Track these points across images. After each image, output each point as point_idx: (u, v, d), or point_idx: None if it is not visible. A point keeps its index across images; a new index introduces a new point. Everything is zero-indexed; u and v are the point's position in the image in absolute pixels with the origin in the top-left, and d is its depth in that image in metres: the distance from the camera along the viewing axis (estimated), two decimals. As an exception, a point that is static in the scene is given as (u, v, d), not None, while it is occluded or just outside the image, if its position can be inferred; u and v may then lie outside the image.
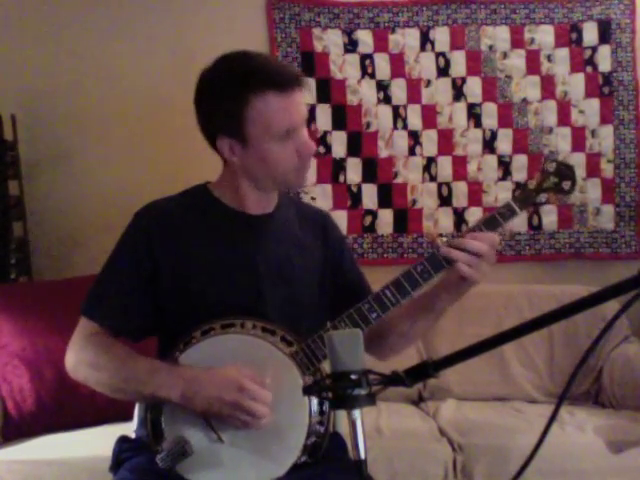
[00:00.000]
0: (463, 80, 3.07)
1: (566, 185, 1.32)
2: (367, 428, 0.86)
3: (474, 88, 3.06)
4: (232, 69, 1.34)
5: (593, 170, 3.08)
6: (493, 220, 1.32)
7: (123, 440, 1.45)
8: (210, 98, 1.35)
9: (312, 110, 2.98)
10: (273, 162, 1.34)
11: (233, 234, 1.41)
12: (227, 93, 1.32)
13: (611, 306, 2.12)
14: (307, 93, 1.36)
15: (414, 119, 3.06)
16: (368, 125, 3.05)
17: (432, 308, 1.39)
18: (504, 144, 3.07)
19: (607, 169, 3.08)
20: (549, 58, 3.07)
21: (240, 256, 1.39)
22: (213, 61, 1.36)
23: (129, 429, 1.51)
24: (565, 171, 1.32)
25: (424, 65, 3.06)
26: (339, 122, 3.04)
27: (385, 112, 3.05)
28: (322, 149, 3.03)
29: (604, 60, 3.07)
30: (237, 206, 1.42)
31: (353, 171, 3.06)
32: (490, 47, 3.07)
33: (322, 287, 1.47)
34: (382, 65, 3.05)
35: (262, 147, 1.33)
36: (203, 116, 1.38)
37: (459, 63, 3.06)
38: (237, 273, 1.38)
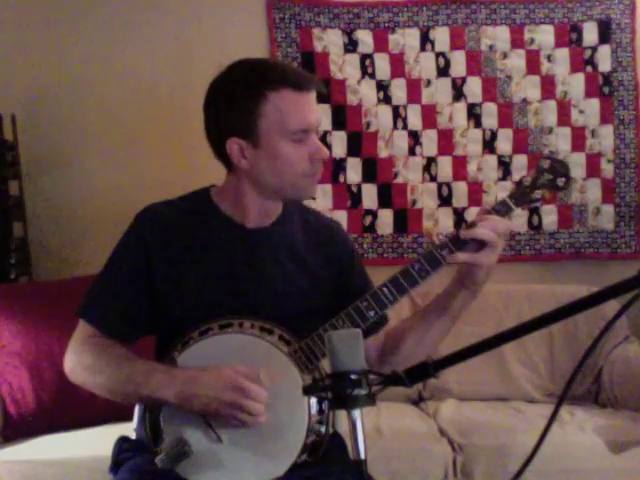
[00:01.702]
0: (463, 80, 3.07)
1: (560, 182, 1.33)
2: (367, 428, 0.86)
3: (474, 88, 3.06)
4: (248, 69, 1.34)
5: (593, 170, 3.08)
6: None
7: (123, 440, 1.45)
8: (223, 98, 1.33)
9: (312, 110, 2.98)
10: (284, 163, 1.32)
11: (227, 244, 1.39)
12: (242, 90, 1.31)
13: (611, 306, 2.12)
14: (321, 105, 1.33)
15: (414, 119, 3.06)
16: (368, 125, 3.05)
17: (447, 310, 1.36)
18: (504, 144, 3.07)
19: (607, 169, 3.08)
20: (549, 58, 3.07)
21: (231, 266, 1.38)
22: (226, 67, 1.35)
23: (129, 429, 1.51)
24: (559, 168, 1.33)
25: (424, 65, 3.06)
26: (339, 122, 3.04)
27: (385, 112, 3.05)
28: (322, 149, 3.03)
29: (604, 60, 3.07)
30: (235, 216, 1.40)
31: (353, 171, 3.06)
32: (490, 47, 3.07)
33: (323, 298, 1.44)
34: (382, 65, 3.05)
35: (274, 146, 1.31)
36: (213, 119, 1.36)
37: (459, 63, 3.06)
38: (226, 284, 1.37)
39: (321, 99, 1.41)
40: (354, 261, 1.52)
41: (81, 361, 1.35)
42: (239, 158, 1.33)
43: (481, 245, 1.28)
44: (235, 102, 1.31)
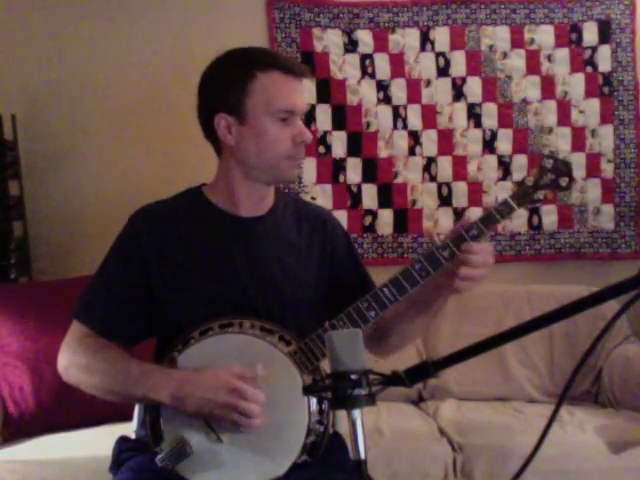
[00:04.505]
0: (463, 80, 3.07)
1: (563, 182, 1.32)
2: (367, 428, 0.86)
3: (474, 88, 3.06)
4: (241, 51, 1.40)
5: (593, 170, 3.08)
6: (490, 217, 1.30)
7: (123, 440, 1.45)
8: (215, 76, 1.38)
9: (312, 110, 2.98)
10: (267, 142, 1.35)
11: (224, 237, 1.40)
12: (234, 69, 1.36)
13: (611, 306, 2.12)
14: (308, 91, 1.38)
15: (414, 119, 3.06)
16: (368, 125, 3.05)
17: (430, 306, 1.38)
18: (504, 144, 3.07)
19: (607, 169, 3.08)
20: (549, 58, 3.07)
21: (229, 259, 1.39)
22: (223, 52, 1.41)
23: (129, 429, 1.51)
24: (562, 168, 1.32)
25: (424, 65, 3.06)
26: (339, 122, 3.04)
27: (385, 112, 3.05)
28: (322, 149, 3.03)
29: (604, 60, 3.07)
30: (229, 208, 1.42)
31: (353, 171, 3.06)
32: (490, 47, 3.07)
33: (320, 287, 1.46)
34: (382, 65, 3.05)
35: (259, 124, 1.34)
36: (204, 96, 1.40)
37: (459, 63, 3.06)
38: (226, 276, 1.38)
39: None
40: (347, 245, 1.54)
41: (75, 361, 1.35)
42: (225, 134, 1.37)
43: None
44: (225, 79, 1.36)
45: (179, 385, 1.24)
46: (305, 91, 1.40)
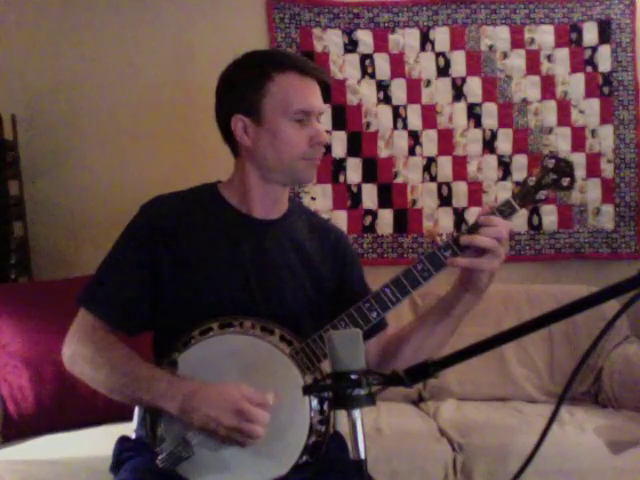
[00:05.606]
0: (463, 80, 3.07)
1: (565, 181, 1.31)
2: (367, 428, 0.86)
3: (474, 88, 3.06)
4: (258, 54, 1.41)
5: (593, 170, 3.08)
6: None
7: (123, 440, 1.45)
8: (232, 78, 1.39)
9: (312, 110, 2.98)
10: (284, 143, 1.35)
11: (234, 235, 1.40)
12: (250, 71, 1.36)
13: (611, 306, 2.12)
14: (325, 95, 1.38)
15: (414, 119, 3.06)
16: (368, 125, 3.05)
17: (450, 315, 1.36)
18: (504, 144, 3.07)
19: (607, 169, 3.08)
20: (549, 58, 3.07)
21: (238, 258, 1.38)
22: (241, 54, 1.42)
23: (129, 429, 1.51)
24: (564, 167, 1.31)
25: (424, 65, 3.06)
26: (339, 122, 3.04)
27: (385, 112, 3.05)
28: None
29: (604, 60, 3.07)
30: (243, 208, 1.42)
31: (353, 171, 3.06)
32: (490, 47, 3.07)
33: (324, 298, 1.44)
34: (382, 65, 3.05)
35: (276, 125, 1.35)
36: (221, 98, 1.40)
37: (459, 63, 3.06)
38: (232, 275, 1.37)
39: (328, 97, 1.43)
40: (356, 267, 1.53)
41: (81, 352, 1.34)
42: (242, 135, 1.37)
43: (483, 249, 1.28)
44: (242, 81, 1.37)
45: (186, 397, 1.23)
46: (321, 95, 1.40)
